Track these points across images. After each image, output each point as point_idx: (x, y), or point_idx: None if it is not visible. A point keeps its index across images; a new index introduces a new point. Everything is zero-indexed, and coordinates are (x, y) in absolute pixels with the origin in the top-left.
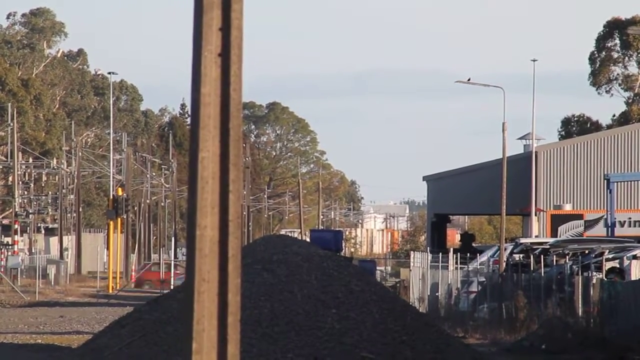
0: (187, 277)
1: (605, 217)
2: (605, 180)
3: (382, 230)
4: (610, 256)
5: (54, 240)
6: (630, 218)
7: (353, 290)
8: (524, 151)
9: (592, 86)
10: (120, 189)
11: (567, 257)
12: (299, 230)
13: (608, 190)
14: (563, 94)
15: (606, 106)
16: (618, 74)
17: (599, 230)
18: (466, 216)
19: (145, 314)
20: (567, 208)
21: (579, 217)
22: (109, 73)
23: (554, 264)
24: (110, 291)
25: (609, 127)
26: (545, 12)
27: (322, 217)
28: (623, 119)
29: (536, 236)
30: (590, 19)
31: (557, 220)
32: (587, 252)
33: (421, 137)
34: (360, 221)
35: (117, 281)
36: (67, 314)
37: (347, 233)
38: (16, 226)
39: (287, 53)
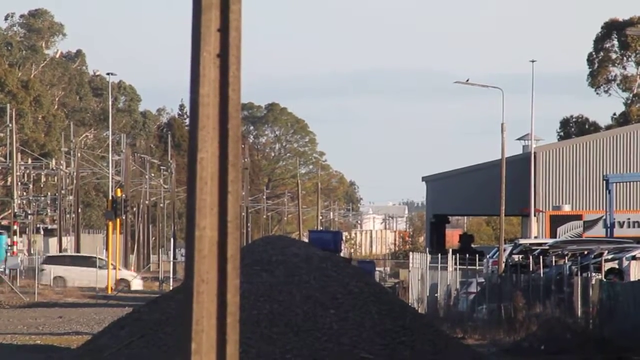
0: (186, 278)
1: (604, 217)
2: (604, 181)
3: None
4: (610, 257)
5: (53, 241)
6: (629, 219)
7: (352, 291)
8: (523, 152)
9: (591, 87)
10: (119, 190)
11: (566, 257)
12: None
13: (607, 191)
14: (562, 95)
15: (605, 107)
16: (616, 75)
17: (598, 231)
18: (465, 217)
19: (144, 314)
20: (566, 209)
21: (578, 217)
22: (108, 74)
23: (553, 264)
24: (109, 292)
25: (607, 127)
26: (543, 13)
27: (321, 217)
28: (622, 120)
29: (535, 237)
30: (588, 20)
31: (556, 221)
32: (586, 252)
33: (420, 138)
34: (359, 222)
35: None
36: (66, 315)
37: (346, 234)
38: (15, 227)
39: (285, 54)
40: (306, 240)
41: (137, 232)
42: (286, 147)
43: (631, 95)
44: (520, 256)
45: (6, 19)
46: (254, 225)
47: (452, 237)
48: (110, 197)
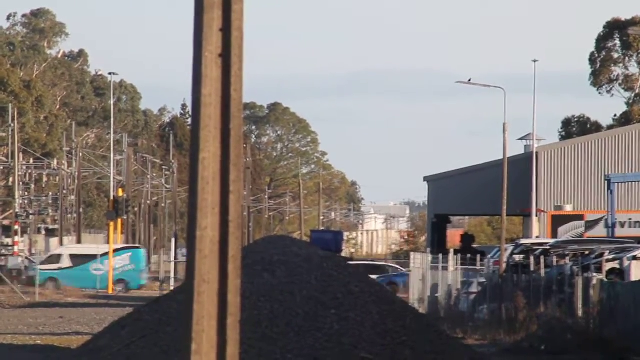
0: (187, 278)
1: (605, 217)
2: (606, 181)
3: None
4: (611, 257)
5: (54, 241)
6: (630, 219)
7: (353, 291)
8: (525, 152)
9: (593, 86)
10: (120, 190)
11: (568, 258)
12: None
13: (609, 191)
14: (564, 95)
15: (607, 106)
16: (618, 75)
17: (600, 231)
18: (466, 217)
19: (145, 314)
20: (568, 209)
21: (580, 217)
22: (110, 74)
23: (554, 264)
24: (110, 292)
25: (609, 127)
26: (545, 13)
27: (322, 217)
28: (624, 120)
29: (537, 237)
30: (590, 19)
31: (558, 221)
32: (587, 253)
33: (422, 138)
34: (360, 222)
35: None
36: (67, 315)
37: (347, 234)
38: (17, 227)
39: (287, 53)
40: (308, 240)
41: (138, 232)
42: (288, 147)
43: (633, 95)
44: (522, 256)
45: (8, 18)
46: (256, 225)
47: (454, 237)
48: (111, 197)
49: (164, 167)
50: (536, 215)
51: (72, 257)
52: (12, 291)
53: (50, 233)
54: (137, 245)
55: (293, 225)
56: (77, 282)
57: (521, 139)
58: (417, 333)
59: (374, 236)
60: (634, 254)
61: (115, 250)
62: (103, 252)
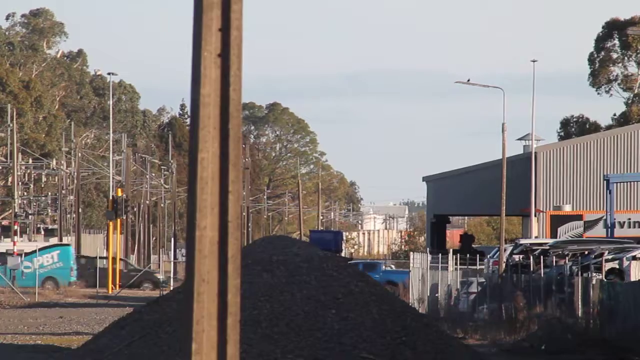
0: (186, 278)
1: (604, 217)
2: (605, 181)
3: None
4: (610, 257)
5: (53, 241)
6: (629, 219)
7: (352, 291)
8: (524, 152)
9: (592, 87)
10: (119, 190)
11: (567, 258)
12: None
13: (607, 191)
14: (562, 95)
15: (605, 107)
16: (617, 75)
17: (599, 231)
18: (466, 217)
19: (145, 314)
20: (567, 209)
21: (579, 217)
22: (109, 74)
23: (554, 264)
24: (110, 292)
25: (608, 127)
26: (544, 13)
27: (321, 217)
28: (623, 120)
29: (536, 237)
30: (589, 19)
31: (557, 221)
32: (586, 253)
33: (421, 138)
34: (359, 222)
35: (117, 282)
36: (67, 315)
37: (347, 235)
38: (16, 227)
39: (286, 53)
40: (307, 240)
41: (137, 232)
42: (287, 147)
43: (632, 95)
44: (521, 256)
45: (7, 18)
46: (255, 225)
47: (453, 237)
48: (110, 197)
49: (162, 167)
50: (535, 216)
51: (0, 254)
52: (12, 291)
53: (49, 233)
54: (65, 243)
55: (292, 225)
56: (4, 280)
57: (520, 139)
58: (417, 333)
59: (374, 236)
60: (634, 254)
61: (44, 248)
62: (31, 250)
